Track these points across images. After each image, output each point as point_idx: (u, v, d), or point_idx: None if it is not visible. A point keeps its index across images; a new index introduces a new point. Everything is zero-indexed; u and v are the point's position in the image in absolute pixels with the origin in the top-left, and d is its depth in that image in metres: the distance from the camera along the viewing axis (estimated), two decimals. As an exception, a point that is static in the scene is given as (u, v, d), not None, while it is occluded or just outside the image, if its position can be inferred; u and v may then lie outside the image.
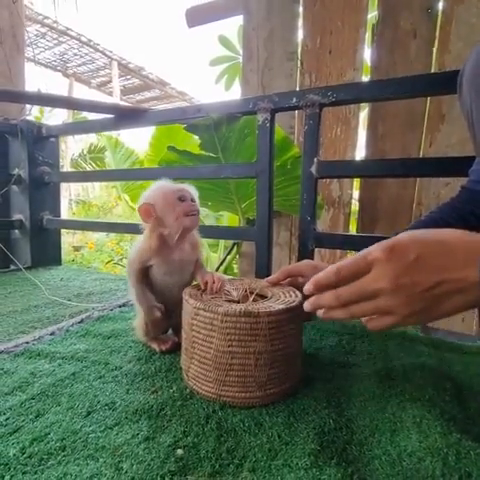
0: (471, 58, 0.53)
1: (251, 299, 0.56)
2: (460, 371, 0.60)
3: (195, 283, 0.64)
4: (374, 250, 0.35)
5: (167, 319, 0.66)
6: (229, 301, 0.55)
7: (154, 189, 0.63)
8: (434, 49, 1.15)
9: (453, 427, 0.44)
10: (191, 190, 0.65)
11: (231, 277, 0.68)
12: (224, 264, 1.64)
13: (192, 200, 0.63)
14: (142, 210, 0.60)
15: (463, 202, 0.60)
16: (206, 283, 0.59)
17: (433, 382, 0.54)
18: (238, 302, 0.55)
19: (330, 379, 0.57)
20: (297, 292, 0.58)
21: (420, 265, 0.33)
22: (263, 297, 0.58)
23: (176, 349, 0.66)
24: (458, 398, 0.51)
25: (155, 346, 0.67)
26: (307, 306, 0.42)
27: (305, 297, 0.45)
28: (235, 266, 1.77)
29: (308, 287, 0.41)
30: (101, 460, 0.39)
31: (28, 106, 1.50)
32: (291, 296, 0.56)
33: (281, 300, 0.54)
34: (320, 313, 0.41)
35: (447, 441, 0.41)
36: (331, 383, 0.56)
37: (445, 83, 0.78)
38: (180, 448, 0.41)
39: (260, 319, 0.48)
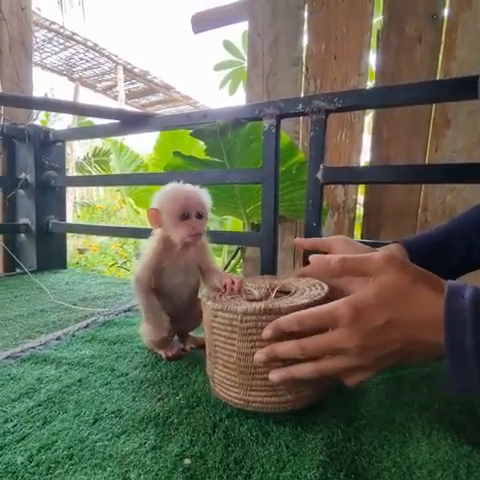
0: None
1: (272, 295, 0.53)
2: (469, 380, 0.59)
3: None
4: (340, 307, 0.35)
5: (173, 325, 0.66)
6: (250, 300, 0.52)
7: (162, 195, 0.62)
8: (440, 55, 1.15)
9: (464, 439, 0.43)
10: (202, 198, 0.62)
11: (252, 277, 0.65)
12: (228, 268, 1.64)
13: (198, 215, 0.61)
14: (150, 215, 0.61)
15: None
16: (225, 285, 0.57)
17: (442, 392, 0.54)
18: (260, 300, 0.52)
19: (337, 387, 0.57)
20: (323, 285, 0.53)
21: (387, 330, 0.33)
22: (287, 293, 0.54)
23: (182, 356, 0.66)
24: (468, 409, 0.50)
25: (161, 352, 0.67)
26: (260, 356, 0.41)
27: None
28: (239, 270, 1.77)
29: (266, 332, 0.40)
30: (109, 469, 0.39)
31: (35, 111, 1.51)
32: (317, 289, 0.52)
33: (306, 294, 0.50)
34: (275, 375, 0.39)
35: (458, 453, 0.41)
36: (338, 392, 0.55)
37: (451, 90, 0.78)
38: (188, 458, 0.41)
39: (282, 316, 0.43)
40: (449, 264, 0.57)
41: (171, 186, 0.63)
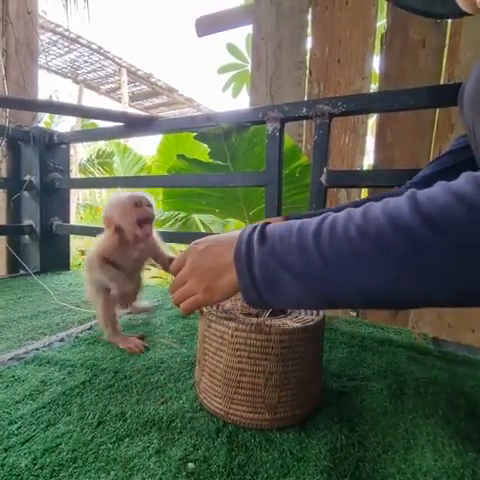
0: (472, 74, 0.53)
1: (267, 314, 0.54)
2: (473, 387, 0.59)
3: None
4: (182, 255, 0.47)
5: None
6: (245, 314, 0.53)
7: (112, 202, 0.71)
8: (443, 59, 1.15)
9: (469, 446, 0.43)
10: (147, 196, 0.71)
11: None
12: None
13: (148, 205, 0.70)
14: (105, 222, 0.72)
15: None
16: (170, 261, 0.68)
17: (446, 398, 0.54)
18: (255, 316, 0.53)
19: (340, 392, 0.57)
20: (319, 311, 0.55)
21: (204, 253, 0.44)
22: (283, 312, 0.55)
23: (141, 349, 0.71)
24: (472, 415, 0.50)
25: (119, 344, 0.72)
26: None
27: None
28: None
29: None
30: (112, 473, 0.39)
31: (40, 113, 1.53)
32: (312, 314, 0.54)
33: (300, 318, 0.52)
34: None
35: (463, 460, 0.41)
36: (341, 397, 0.55)
37: (455, 95, 0.78)
38: (191, 462, 0.41)
39: (271, 337, 0.45)
40: None
41: (117, 194, 0.72)
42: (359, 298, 0.34)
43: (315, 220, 0.36)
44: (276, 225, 0.40)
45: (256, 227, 0.40)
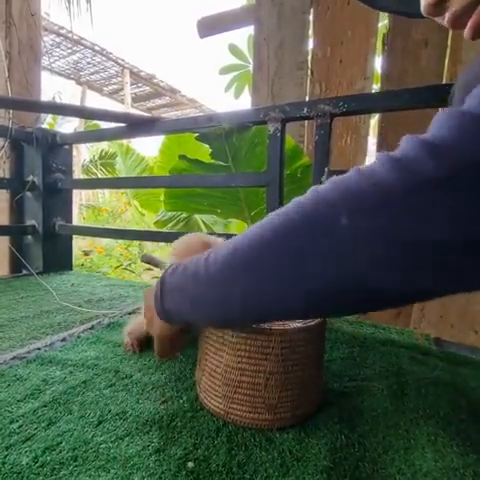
0: (460, 81, 0.53)
1: None
2: (475, 388, 0.59)
3: None
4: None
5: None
6: None
7: (184, 246, 0.60)
8: (445, 58, 1.14)
9: (469, 447, 0.42)
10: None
11: None
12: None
13: None
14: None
15: None
16: None
17: (448, 398, 0.53)
18: None
19: (341, 392, 0.57)
20: None
21: (146, 310, 0.52)
22: None
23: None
24: (474, 416, 0.50)
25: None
26: None
27: None
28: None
29: None
30: (112, 471, 0.39)
31: (43, 115, 1.54)
32: None
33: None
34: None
35: (464, 461, 0.40)
36: (342, 397, 0.55)
37: (458, 93, 0.78)
38: (191, 461, 0.41)
39: (272, 337, 0.45)
40: None
41: (193, 238, 0.61)
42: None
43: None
44: (186, 260, 0.45)
45: (170, 267, 0.46)
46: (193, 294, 0.40)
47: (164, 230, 1.92)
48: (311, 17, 1.36)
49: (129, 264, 3.21)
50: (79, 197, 5.54)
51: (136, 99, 8.17)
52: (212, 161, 1.23)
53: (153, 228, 2.18)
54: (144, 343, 0.71)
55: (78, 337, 0.78)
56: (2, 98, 1.33)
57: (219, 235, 0.64)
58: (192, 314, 0.42)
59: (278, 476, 0.39)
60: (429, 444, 0.44)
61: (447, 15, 0.36)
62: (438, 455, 0.42)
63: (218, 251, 0.38)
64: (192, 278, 0.40)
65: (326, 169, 0.90)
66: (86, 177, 4.95)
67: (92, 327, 0.84)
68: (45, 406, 0.51)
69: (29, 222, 1.48)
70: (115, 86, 7.76)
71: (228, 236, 0.64)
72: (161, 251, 3.31)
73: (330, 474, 0.39)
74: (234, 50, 2.57)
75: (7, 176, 1.45)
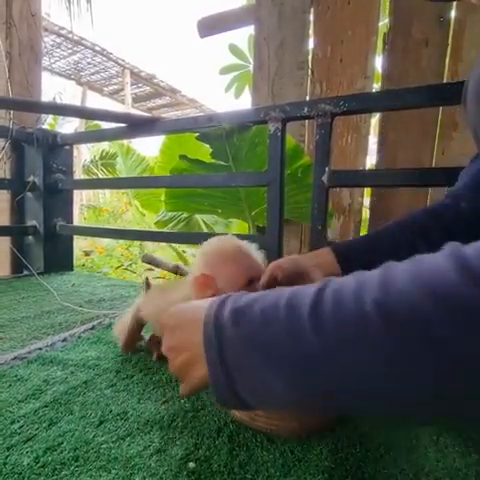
0: (476, 73, 0.52)
1: None
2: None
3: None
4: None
5: None
6: None
7: (217, 255, 0.50)
8: (446, 58, 1.14)
9: (472, 447, 0.42)
10: (259, 258, 0.52)
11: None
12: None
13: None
14: (199, 283, 0.48)
15: (447, 206, 0.57)
16: None
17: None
18: None
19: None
20: None
21: (174, 331, 0.36)
22: None
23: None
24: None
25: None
26: None
27: None
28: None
29: None
30: (113, 472, 0.39)
31: (44, 115, 1.54)
32: None
33: None
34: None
35: (466, 461, 0.40)
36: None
37: (459, 93, 0.78)
38: (192, 461, 0.41)
39: None
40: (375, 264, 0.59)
41: (226, 245, 0.51)
42: (373, 404, 0.25)
43: (311, 289, 0.27)
44: (254, 295, 0.30)
45: (226, 300, 0.31)
46: (304, 367, 0.25)
47: (165, 230, 1.92)
48: (311, 17, 1.36)
49: (130, 264, 3.21)
50: (80, 197, 5.55)
51: (136, 99, 8.17)
52: (213, 161, 1.23)
53: (154, 228, 2.18)
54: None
55: (79, 337, 0.78)
56: (3, 99, 1.33)
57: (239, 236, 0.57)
58: (290, 400, 0.27)
59: (280, 476, 0.39)
60: (431, 444, 0.44)
61: None
62: (440, 455, 0.42)
63: (339, 295, 0.24)
64: (294, 339, 0.25)
65: (327, 168, 0.90)
66: (87, 177, 4.96)
67: (93, 327, 0.84)
68: (46, 406, 0.51)
69: (30, 222, 1.48)
70: (115, 86, 7.76)
71: (243, 237, 0.56)
72: (162, 251, 3.31)
73: (332, 474, 0.39)
74: (234, 50, 2.56)
75: (8, 177, 1.45)
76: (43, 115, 1.56)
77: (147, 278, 0.69)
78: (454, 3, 1.11)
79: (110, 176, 5.19)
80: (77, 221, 4.11)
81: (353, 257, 0.57)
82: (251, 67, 1.98)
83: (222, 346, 0.29)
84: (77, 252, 3.33)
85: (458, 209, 0.55)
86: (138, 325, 0.68)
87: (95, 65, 6.80)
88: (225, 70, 2.65)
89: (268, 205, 0.98)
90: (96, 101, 8.28)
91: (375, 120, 1.55)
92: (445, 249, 0.23)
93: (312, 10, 1.35)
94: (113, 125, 1.31)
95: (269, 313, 0.27)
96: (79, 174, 5.38)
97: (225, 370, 0.28)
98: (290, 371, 0.26)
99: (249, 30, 1.90)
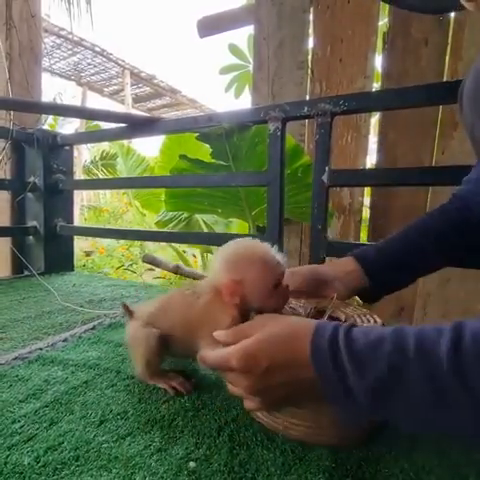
0: (471, 76, 0.52)
1: (325, 317, 0.48)
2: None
3: None
4: (232, 357, 0.36)
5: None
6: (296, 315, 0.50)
7: (243, 259, 0.48)
8: (446, 56, 1.14)
9: (473, 446, 0.42)
10: (283, 261, 0.50)
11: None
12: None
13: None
14: (228, 289, 0.47)
15: (458, 210, 0.58)
16: None
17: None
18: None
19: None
20: (376, 317, 0.49)
21: (270, 373, 0.35)
22: (334, 319, 0.50)
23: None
24: (477, 414, 0.49)
25: (162, 384, 0.56)
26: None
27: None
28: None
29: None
30: (114, 471, 0.39)
31: (44, 116, 1.54)
32: (369, 322, 0.48)
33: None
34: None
35: (467, 460, 0.40)
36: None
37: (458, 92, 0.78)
38: (192, 460, 0.41)
39: None
40: (405, 278, 0.59)
41: (251, 247, 0.49)
42: None
43: (443, 336, 0.26)
44: (365, 334, 0.31)
45: (336, 339, 0.32)
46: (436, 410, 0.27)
47: (165, 230, 1.92)
48: (311, 16, 1.36)
49: (130, 264, 3.21)
50: (80, 198, 5.55)
51: (137, 100, 8.18)
52: (213, 161, 1.23)
53: (154, 228, 2.18)
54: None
55: (79, 337, 0.78)
56: (3, 99, 1.34)
57: (220, 235, 0.60)
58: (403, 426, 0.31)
59: (280, 475, 0.39)
60: (432, 443, 0.44)
61: None
62: (441, 454, 0.42)
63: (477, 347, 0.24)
64: (427, 385, 0.26)
65: (327, 168, 0.90)
66: (87, 178, 4.96)
67: (93, 327, 0.84)
68: (47, 406, 0.51)
69: (30, 223, 1.48)
70: (116, 87, 7.77)
71: (242, 237, 0.56)
72: (162, 251, 3.32)
73: (332, 474, 0.39)
74: (234, 50, 2.56)
75: (8, 177, 1.46)
76: (43, 116, 1.57)
77: (124, 303, 0.61)
78: (454, 2, 1.11)
79: (110, 176, 5.19)
80: (77, 221, 4.11)
81: (381, 269, 0.57)
82: (251, 67, 1.99)
83: (348, 394, 0.30)
84: (78, 252, 3.33)
85: (468, 213, 0.56)
86: (157, 345, 0.53)
87: (95, 66, 6.81)
88: (225, 70, 2.65)
89: (268, 205, 0.98)
90: (96, 102, 8.29)
91: (375, 120, 1.55)
92: None
93: (312, 10, 1.35)
94: (113, 125, 1.31)
95: (395, 363, 0.28)
96: (79, 174, 5.38)
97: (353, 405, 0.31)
98: (423, 415, 0.28)
99: (249, 30, 1.90)
